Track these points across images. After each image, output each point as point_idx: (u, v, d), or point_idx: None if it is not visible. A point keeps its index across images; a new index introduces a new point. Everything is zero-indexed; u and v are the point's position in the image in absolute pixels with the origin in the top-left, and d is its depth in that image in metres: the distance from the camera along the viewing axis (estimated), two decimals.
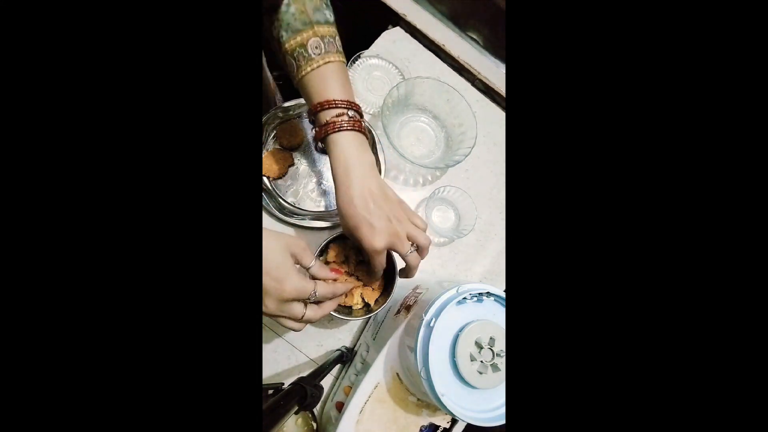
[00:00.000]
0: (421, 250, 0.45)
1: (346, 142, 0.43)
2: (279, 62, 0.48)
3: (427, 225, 0.47)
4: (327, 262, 0.51)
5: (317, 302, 0.41)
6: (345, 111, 0.43)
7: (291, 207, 0.57)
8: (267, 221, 0.57)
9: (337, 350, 0.55)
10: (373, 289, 0.52)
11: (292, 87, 0.49)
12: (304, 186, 0.58)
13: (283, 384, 0.41)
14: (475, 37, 0.72)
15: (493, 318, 0.41)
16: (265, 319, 0.55)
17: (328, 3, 0.47)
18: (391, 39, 0.67)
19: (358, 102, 0.62)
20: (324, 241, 0.49)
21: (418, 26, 0.66)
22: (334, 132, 0.42)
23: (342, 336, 0.57)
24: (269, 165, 0.56)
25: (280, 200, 0.56)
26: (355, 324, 0.57)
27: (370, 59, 0.65)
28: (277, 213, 0.56)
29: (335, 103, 0.43)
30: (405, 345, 0.44)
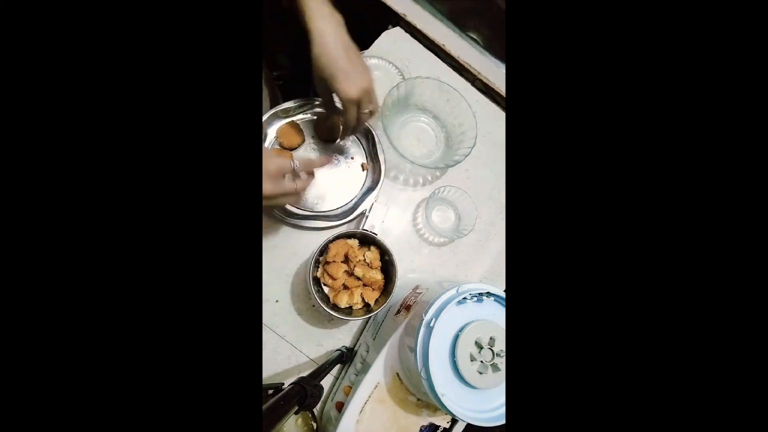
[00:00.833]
0: (374, 111, 0.50)
1: (322, 1, 0.44)
2: None
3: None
4: (327, 262, 0.51)
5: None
6: None
7: (291, 207, 0.57)
8: (267, 221, 0.57)
9: (337, 350, 0.55)
10: (373, 289, 0.52)
11: (292, 87, 0.49)
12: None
13: (283, 384, 0.41)
14: (475, 37, 0.72)
15: (493, 318, 0.41)
16: (265, 320, 0.55)
17: None
18: (391, 39, 0.67)
19: None
20: (324, 241, 0.49)
21: (418, 26, 0.66)
22: None
23: (342, 336, 0.57)
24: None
25: None
26: (355, 324, 0.57)
27: (370, 59, 0.65)
28: (277, 213, 0.56)
29: None
30: (405, 345, 0.44)
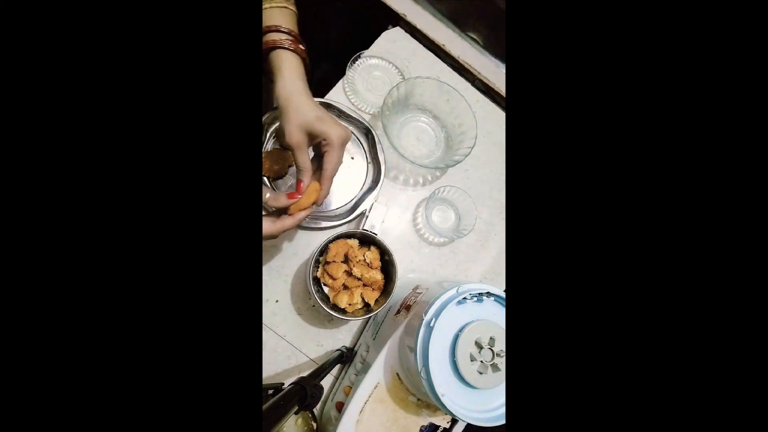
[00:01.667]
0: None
1: (295, 61, 0.46)
2: None
3: None
4: (327, 262, 0.51)
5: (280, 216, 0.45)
6: (294, 40, 0.47)
7: None
8: (267, 221, 0.57)
9: (337, 350, 0.55)
10: (373, 289, 0.52)
11: None
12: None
13: (283, 384, 0.41)
14: (475, 37, 0.72)
15: (493, 318, 0.41)
16: (265, 320, 0.55)
17: None
18: (391, 39, 0.67)
19: (358, 102, 0.62)
20: (324, 241, 0.49)
21: (418, 26, 0.66)
22: (282, 48, 0.46)
23: (342, 336, 0.57)
24: (269, 165, 0.56)
25: None
26: (355, 324, 0.57)
27: (370, 59, 0.65)
28: (277, 212, 0.56)
29: (286, 30, 0.47)
30: (405, 345, 0.44)
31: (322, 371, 0.45)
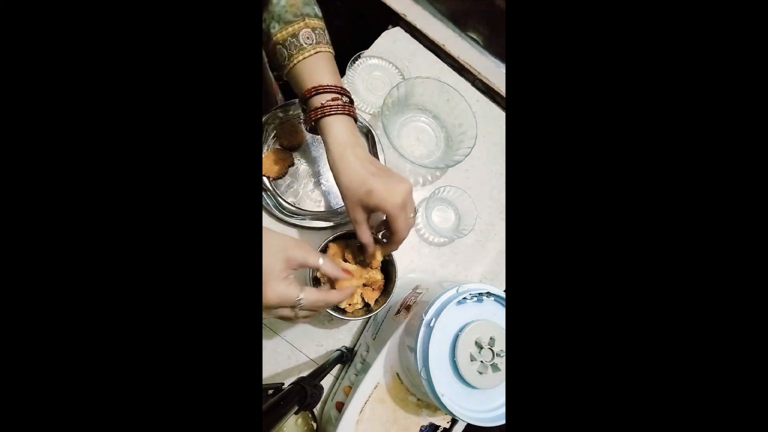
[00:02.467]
0: (415, 215, 0.46)
1: (342, 125, 0.44)
2: (267, 54, 0.49)
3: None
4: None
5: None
6: (339, 96, 0.44)
7: (291, 207, 0.57)
8: (267, 221, 0.57)
9: (337, 350, 0.55)
10: (373, 289, 0.52)
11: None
12: (304, 186, 0.58)
13: (283, 384, 0.41)
14: (475, 37, 0.72)
15: (493, 318, 0.41)
16: (265, 319, 0.55)
17: None
18: (391, 39, 0.67)
19: (358, 102, 0.62)
20: (324, 241, 0.49)
21: (418, 26, 0.66)
22: (330, 115, 0.43)
23: (342, 336, 0.57)
24: (269, 165, 0.56)
25: (280, 200, 0.56)
26: (355, 324, 0.57)
27: (370, 59, 0.65)
28: (277, 213, 0.56)
29: (329, 88, 0.44)
30: (405, 345, 0.44)
31: (322, 371, 0.45)
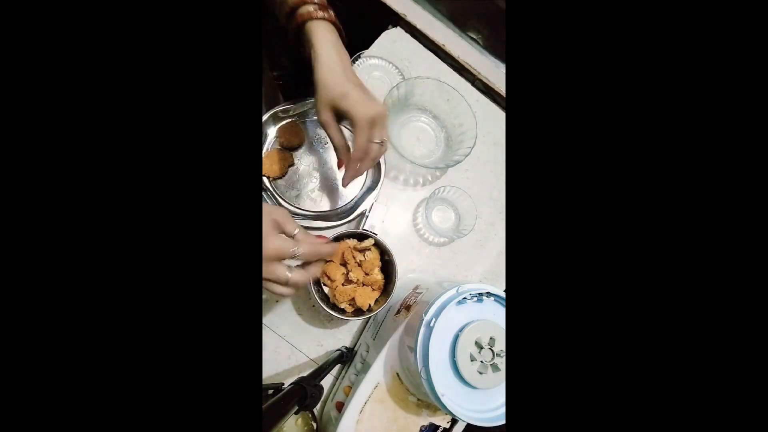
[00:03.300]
0: (385, 143, 0.46)
1: (331, 30, 0.44)
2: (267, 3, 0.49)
3: None
4: (326, 261, 0.51)
5: (303, 266, 0.41)
6: (323, 6, 0.45)
7: (291, 207, 0.57)
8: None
9: (337, 350, 0.55)
10: (373, 289, 0.52)
11: (293, 87, 0.49)
12: (304, 186, 0.58)
13: (283, 384, 0.41)
14: (475, 37, 0.71)
15: (493, 318, 0.41)
16: (265, 320, 0.55)
17: None
18: (391, 39, 0.67)
19: None
20: None
21: (418, 26, 0.66)
22: (320, 19, 0.44)
23: (342, 336, 0.57)
24: (269, 165, 0.56)
25: (280, 200, 0.56)
26: (355, 324, 0.57)
27: (370, 59, 0.65)
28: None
29: (316, 0, 0.45)
30: (405, 345, 0.44)
31: (322, 371, 0.45)
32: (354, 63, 0.64)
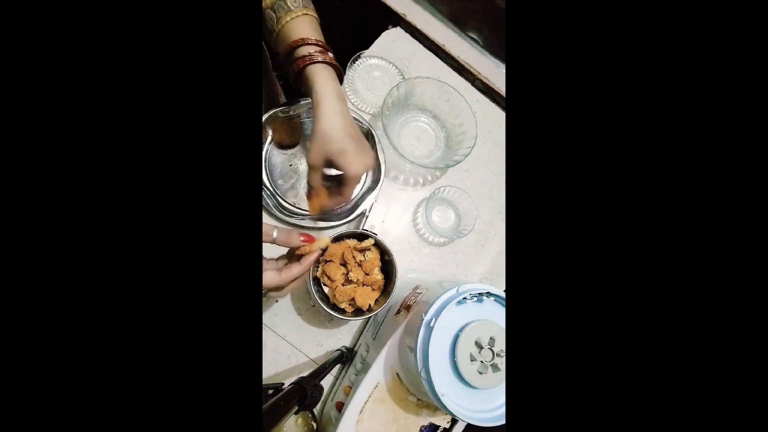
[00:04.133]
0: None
1: (331, 75, 0.45)
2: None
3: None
4: (326, 261, 0.51)
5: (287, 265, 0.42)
6: (324, 49, 0.46)
7: (291, 207, 0.57)
8: (267, 221, 0.57)
9: (337, 350, 0.55)
10: (373, 289, 0.52)
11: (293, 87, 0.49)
12: (304, 186, 0.58)
13: (283, 384, 0.41)
14: (475, 37, 0.72)
15: (493, 318, 0.41)
16: (265, 320, 0.55)
17: None
18: (391, 39, 0.67)
19: (358, 102, 0.62)
20: None
21: (418, 26, 0.66)
22: (316, 63, 0.44)
23: (342, 336, 0.57)
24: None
25: (280, 200, 0.56)
26: (355, 324, 0.57)
27: (370, 59, 0.65)
28: (277, 213, 0.56)
29: (314, 41, 0.45)
30: (405, 345, 0.44)
31: (322, 371, 0.45)
32: (354, 63, 0.64)
